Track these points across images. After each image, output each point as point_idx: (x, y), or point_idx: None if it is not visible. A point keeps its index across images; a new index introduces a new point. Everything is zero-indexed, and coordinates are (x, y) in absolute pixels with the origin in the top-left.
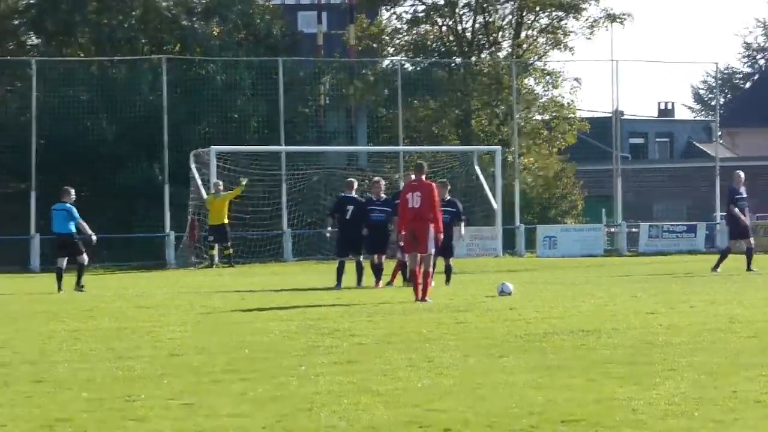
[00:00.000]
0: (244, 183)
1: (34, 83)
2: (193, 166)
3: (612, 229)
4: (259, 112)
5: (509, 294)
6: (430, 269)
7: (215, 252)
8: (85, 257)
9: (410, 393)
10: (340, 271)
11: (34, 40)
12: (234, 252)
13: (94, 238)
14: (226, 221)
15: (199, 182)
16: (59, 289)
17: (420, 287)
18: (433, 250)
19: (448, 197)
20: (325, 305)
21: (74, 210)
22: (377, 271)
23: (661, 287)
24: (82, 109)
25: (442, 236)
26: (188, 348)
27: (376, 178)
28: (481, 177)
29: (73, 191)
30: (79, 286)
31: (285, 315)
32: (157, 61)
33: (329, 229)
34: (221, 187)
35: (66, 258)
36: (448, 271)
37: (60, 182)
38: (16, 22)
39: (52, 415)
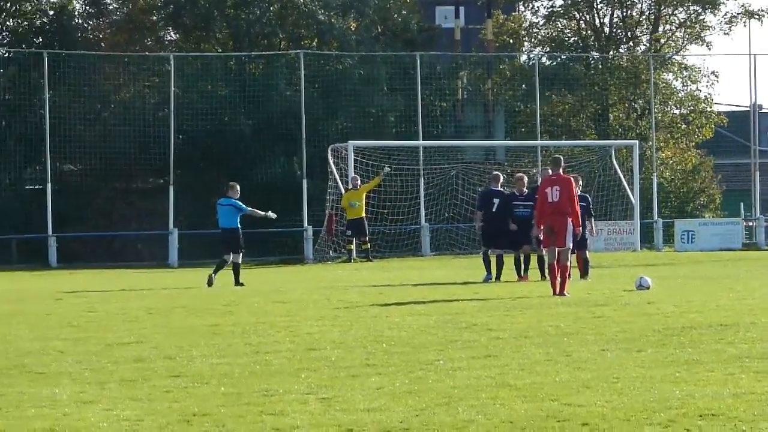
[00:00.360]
0: (385, 170)
1: (172, 78)
2: (330, 160)
3: (750, 223)
4: (396, 106)
5: (647, 288)
6: (568, 263)
7: (353, 246)
8: (240, 256)
9: (548, 387)
10: (487, 261)
11: (172, 36)
12: (371, 246)
13: (271, 214)
14: (363, 215)
15: (337, 177)
16: (211, 281)
17: (558, 281)
18: (571, 244)
19: (579, 192)
20: (462, 300)
21: (240, 204)
22: (525, 265)
23: None
24: (219, 105)
25: (580, 230)
26: (326, 342)
27: (519, 174)
28: (619, 171)
29: (238, 186)
30: (239, 283)
31: (422, 309)
32: (294, 56)
33: (479, 224)
34: (359, 182)
35: (231, 253)
36: (584, 264)
37: (198, 178)
38: (155, 18)
39: (190, 409)
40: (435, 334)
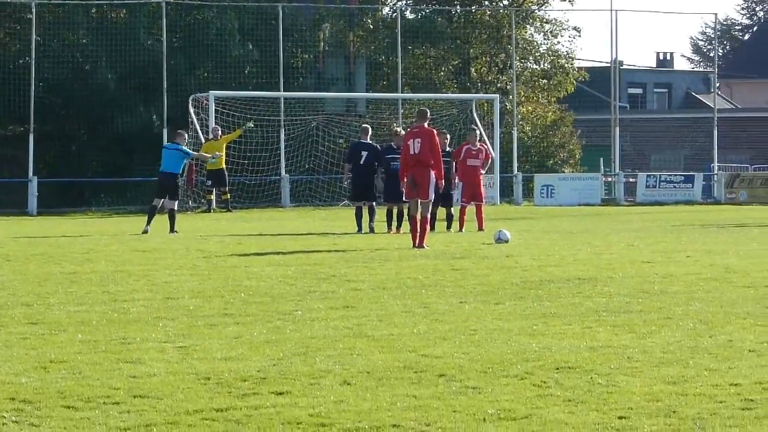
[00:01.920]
0: (248, 125)
1: (33, 26)
2: (191, 110)
3: (609, 179)
4: (257, 57)
5: (506, 242)
6: (428, 215)
7: (213, 197)
8: (176, 203)
9: (406, 338)
10: (359, 216)
11: None
12: (231, 197)
13: (217, 155)
14: (223, 166)
15: (198, 127)
16: (146, 229)
17: (417, 234)
18: (432, 197)
19: (448, 148)
20: (321, 251)
21: (188, 149)
22: (398, 218)
23: (658, 237)
24: (81, 53)
25: (443, 183)
26: (184, 291)
27: (399, 129)
28: (479, 125)
29: (186, 134)
30: (173, 231)
31: (281, 260)
32: (156, 6)
33: (348, 175)
34: (219, 132)
35: (163, 199)
36: (449, 218)
37: (59, 126)
38: None
39: (47, 356)
40: (293, 285)
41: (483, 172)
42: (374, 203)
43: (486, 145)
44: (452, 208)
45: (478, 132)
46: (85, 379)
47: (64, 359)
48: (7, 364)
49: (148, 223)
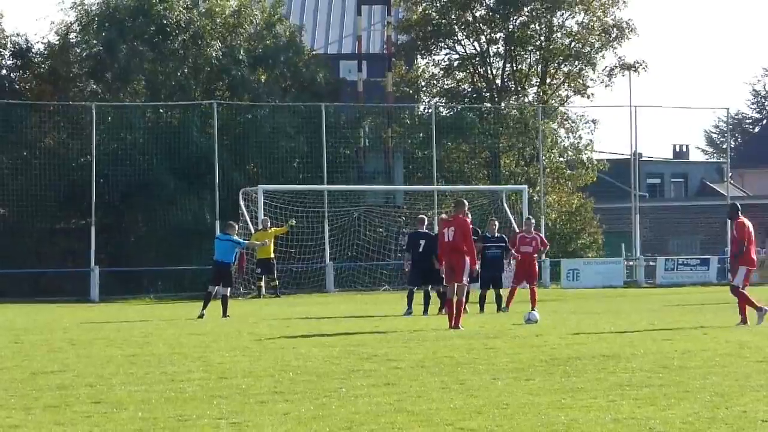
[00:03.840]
0: (291, 223)
1: (94, 126)
2: (242, 203)
3: (631, 263)
4: (303, 153)
5: (535, 322)
6: (463, 298)
7: (263, 283)
8: (230, 289)
9: (443, 413)
10: (410, 298)
11: (93, 87)
12: (280, 283)
13: (267, 241)
14: (272, 255)
15: (248, 218)
16: (202, 314)
17: (453, 315)
18: (467, 281)
19: (497, 234)
20: (364, 332)
21: (239, 239)
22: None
23: (676, 316)
24: (138, 151)
25: (477, 267)
26: (236, 371)
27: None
28: (510, 214)
29: (236, 225)
30: (225, 315)
31: (327, 341)
32: (208, 106)
33: (408, 263)
34: (268, 223)
35: (218, 286)
36: (498, 300)
37: (117, 219)
38: (76, 70)
39: None
40: (338, 364)
41: (536, 256)
42: (429, 288)
43: (540, 234)
44: (501, 290)
45: (533, 221)
46: None
47: None
48: None
49: (204, 308)
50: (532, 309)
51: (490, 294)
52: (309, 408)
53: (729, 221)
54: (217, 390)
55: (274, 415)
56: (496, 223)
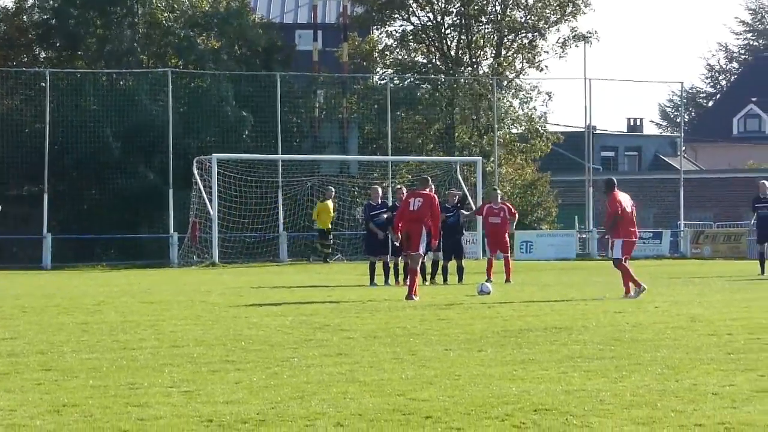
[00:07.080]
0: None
1: (48, 93)
2: (195, 172)
3: (584, 235)
4: (256, 122)
5: (488, 293)
6: (417, 268)
7: (329, 250)
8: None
9: (395, 383)
10: (372, 270)
11: (45, 54)
12: (233, 251)
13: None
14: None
15: (201, 187)
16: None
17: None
18: (422, 251)
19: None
20: (316, 302)
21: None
22: (433, 270)
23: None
24: (91, 118)
25: (436, 242)
26: (188, 340)
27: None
28: (463, 186)
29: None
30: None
31: (279, 310)
32: (162, 74)
33: (380, 231)
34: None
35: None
36: (460, 271)
37: (71, 185)
38: (30, 36)
39: (60, 400)
40: (290, 334)
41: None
42: (388, 258)
43: (507, 204)
44: (462, 261)
45: (499, 192)
46: (96, 422)
47: (76, 403)
48: (22, 408)
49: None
50: (507, 280)
51: (452, 266)
52: (260, 377)
53: (605, 195)
54: (169, 358)
55: (226, 383)
56: (456, 194)
